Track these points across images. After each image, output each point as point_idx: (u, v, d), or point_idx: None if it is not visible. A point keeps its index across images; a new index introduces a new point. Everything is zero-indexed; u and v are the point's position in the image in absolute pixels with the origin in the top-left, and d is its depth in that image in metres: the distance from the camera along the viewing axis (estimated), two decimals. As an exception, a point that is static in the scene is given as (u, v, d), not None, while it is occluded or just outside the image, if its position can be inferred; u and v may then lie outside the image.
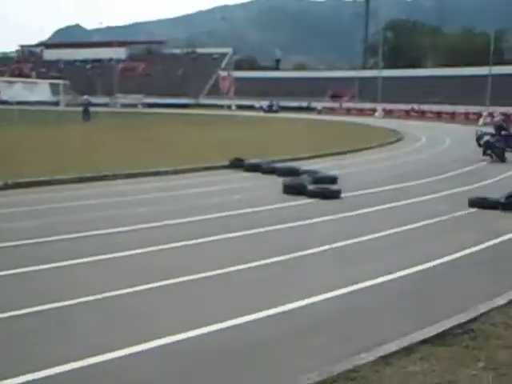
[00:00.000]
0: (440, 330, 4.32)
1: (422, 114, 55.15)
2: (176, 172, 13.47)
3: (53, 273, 5.85)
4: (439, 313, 4.73)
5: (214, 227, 7.97)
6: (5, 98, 45.06)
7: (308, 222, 8.56)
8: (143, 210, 9.25)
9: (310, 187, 10.76)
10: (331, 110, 63.94)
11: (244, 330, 4.48)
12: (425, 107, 57.49)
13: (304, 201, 10.24)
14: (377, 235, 7.72)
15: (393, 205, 10.04)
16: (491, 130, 18.90)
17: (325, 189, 10.71)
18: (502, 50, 74.99)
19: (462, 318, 4.60)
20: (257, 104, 67.78)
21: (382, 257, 6.77)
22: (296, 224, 8.35)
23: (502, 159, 17.02)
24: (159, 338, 4.20)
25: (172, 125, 34.52)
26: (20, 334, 4.33)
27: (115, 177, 12.40)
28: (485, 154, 17.40)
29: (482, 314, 4.70)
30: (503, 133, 17.87)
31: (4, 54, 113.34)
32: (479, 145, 18.06)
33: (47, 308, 4.78)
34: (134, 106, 72.35)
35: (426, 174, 13.95)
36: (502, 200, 9.51)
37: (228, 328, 4.46)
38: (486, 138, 17.68)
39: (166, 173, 13.26)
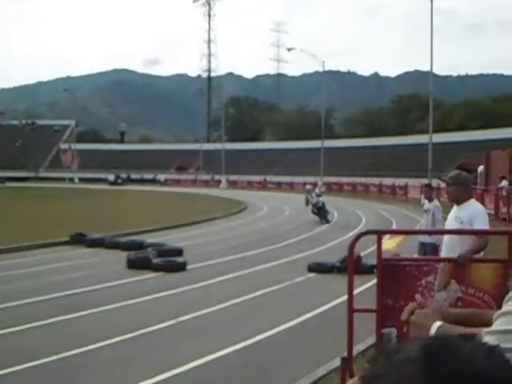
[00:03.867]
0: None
1: (264, 185, 57.73)
2: (8, 250, 12.48)
3: None
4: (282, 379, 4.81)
5: (49, 309, 7.41)
6: None
7: (154, 296, 8.35)
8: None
9: (155, 261, 10.58)
10: (177, 182, 64.53)
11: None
12: (266, 178, 60.44)
13: (149, 275, 10.01)
14: (221, 306, 7.75)
15: (236, 274, 10.20)
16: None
17: (170, 262, 10.61)
18: (332, 125, 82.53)
19: (304, 382, 4.73)
20: (103, 176, 66.30)
21: (227, 328, 6.78)
22: (140, 300, 8.09)
23: (326, 219, 19.96)
24: None
25: (8, 199, 32.24)
26: None
27: None
28: (313, 213, 20.45)
29: (321, 377, 4.86)
30: (320, 199, 20.72)
31: None
32: (307, 204, 21.58)
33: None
34: (-36, 179, 66.61)
35: (268, 243, 14.47)
36: (337, 264, 10.14)
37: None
38: (313, 201, 20.71)
39: (0, 251, 12.24)
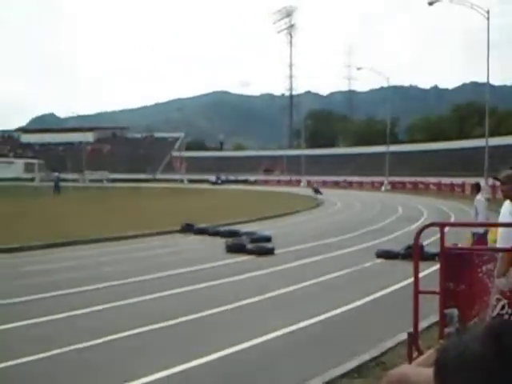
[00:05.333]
0: (357, 364, 4.30)
1: (336, 184, 56.82)
2: (135, 236, 13.14)
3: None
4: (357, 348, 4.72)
5: (170, 283, 7.74)
6: (-18, 175, 43.29)
7: (247, 275, 8.48)
8: (109, 269, 8.89)
9: (249, 246, 10.73)
10: (265, 182, 65.04)
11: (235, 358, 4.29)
12: (339, 178, 59.47)
13: (244, 258, 10.16)
14: (303, 284, 7.73)
15: (316, 258, 10.13)
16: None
17: (261, 247, 10.71)
18: (396, 132, 79.68)
19: (374, 352, 4.61)
20: (206, 178, 68.19)
21: (307, 303, 6.74)
22: (237, 278, 8.26)
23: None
24: None
25: (132, 196, 33.97)
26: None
27: (83, 242, 11.94)
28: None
29: (389, 349, 4.72)
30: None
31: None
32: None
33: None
34: (100, 181, 70.92)
35: (341, 232, 14.24)
36: (402, 251, 9.79)
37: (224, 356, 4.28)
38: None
39: (126, 237, 12.91)
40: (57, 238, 11.91)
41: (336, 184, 56.86)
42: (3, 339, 5.16)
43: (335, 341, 5.23)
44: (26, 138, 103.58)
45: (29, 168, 48.73)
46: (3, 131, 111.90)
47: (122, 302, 6.58)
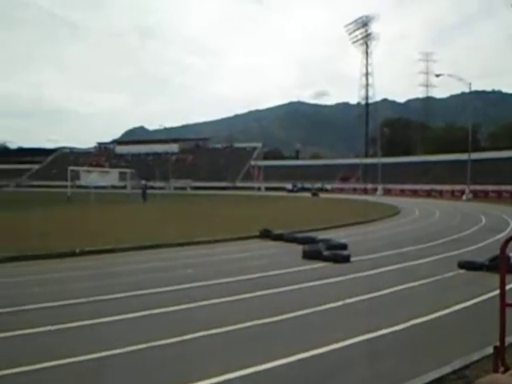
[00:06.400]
0: (437, 377, 4.09)
1: (414, 192, 54.56)
2: (216, 241, 13.49)
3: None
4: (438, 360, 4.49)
5: (247, 286, 7.85)
6: (84, 183, 46.84)
7: (324, 281, 8.38)
8: (189, 272, 9.20)
9: (325, 253, 10.60)
10: (340, 190, 64.06)
11: (305, 363, 4.32)
12: (417, 187, 57.07)
13: (320, 264, 10.06)
14: (382, 292, 7.49)
15: (394, 267, 9.77)
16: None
17: (337, 254, 10.53)
18: (478, 139, 75.02)
19: (456, 365, 4.36)
20: (282, 186, 68.54)
21: (388, 311, 6.53)
22: (313, 283, 8.18)
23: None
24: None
25: (213, 203, 34.93)
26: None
27: (168, 245, 12.47)
28: None
29: (475, 361, 4.44)
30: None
31: (86, 149, 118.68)
32: None
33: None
34: (184, 188, 73.71)
35: (420, 241, 13.62)
36: (486, 263, 9.19)
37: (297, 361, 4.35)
38: None
39: (208, 242, 13.28)
40: (144, 241, 12.54)
41: (414, 192, 54.65)
42: (108, 330, 5.53)
43: (414, 351, 5.01)
44: (119, 150, 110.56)
45: (122, 177, 52.00)
46: (100, 143, 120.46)
47: (215, 301, 6.75)
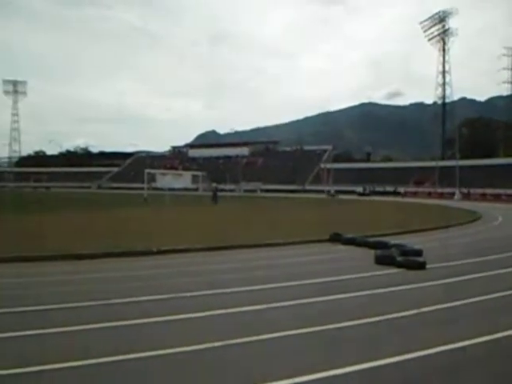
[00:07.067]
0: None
1: (496, 197, 51.18)
2: (286, 244, 13.48)
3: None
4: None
5: (317, 290, 7.76)
6: (159, 185, 49.05)
7: (397, 288, 8.08)
8: (259, 273, 9.26)
9: (399, 259, 10.22)
10: (414, 194, 61.63)
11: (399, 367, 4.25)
12: (500, 191, 53.52)
13: (393, 270, 9.71)
14: (460, 302, 7.07)
15: (473, 276, 9.20)
16: None
17: (412, 260, 10.11)
18: None
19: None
20: (353, 189, 67.30)
21: (466, 321, 6.16)
22: (386, 290, 7.92)
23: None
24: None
25: (284, 206, 35.00)
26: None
27: (238, 247, 12.64)
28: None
29: None
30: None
31: (161, 153, 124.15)
32: None
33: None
34: (254, 191, 74.61)
35: (502, 250, 12.70)
36: None
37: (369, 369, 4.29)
38: None
39: (278, 244, 13.31)
40: (216, 243, 12.81)
41: (496, 197, 51.30)
42: (184, 326, 5.72)
43: (493, 366, 4.67)
44: (192, 153, 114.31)
45: (195, 179, 53.88)
46: (174, 147, 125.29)
47: (286, 304, 6.77)
